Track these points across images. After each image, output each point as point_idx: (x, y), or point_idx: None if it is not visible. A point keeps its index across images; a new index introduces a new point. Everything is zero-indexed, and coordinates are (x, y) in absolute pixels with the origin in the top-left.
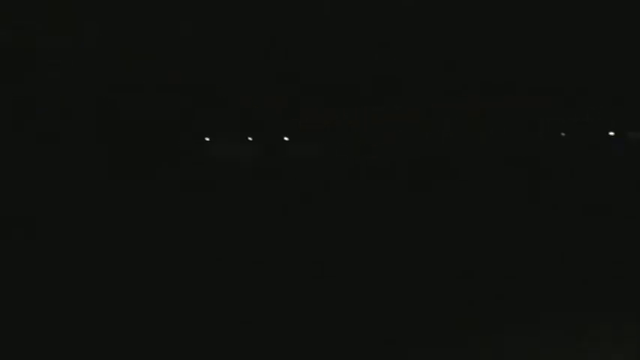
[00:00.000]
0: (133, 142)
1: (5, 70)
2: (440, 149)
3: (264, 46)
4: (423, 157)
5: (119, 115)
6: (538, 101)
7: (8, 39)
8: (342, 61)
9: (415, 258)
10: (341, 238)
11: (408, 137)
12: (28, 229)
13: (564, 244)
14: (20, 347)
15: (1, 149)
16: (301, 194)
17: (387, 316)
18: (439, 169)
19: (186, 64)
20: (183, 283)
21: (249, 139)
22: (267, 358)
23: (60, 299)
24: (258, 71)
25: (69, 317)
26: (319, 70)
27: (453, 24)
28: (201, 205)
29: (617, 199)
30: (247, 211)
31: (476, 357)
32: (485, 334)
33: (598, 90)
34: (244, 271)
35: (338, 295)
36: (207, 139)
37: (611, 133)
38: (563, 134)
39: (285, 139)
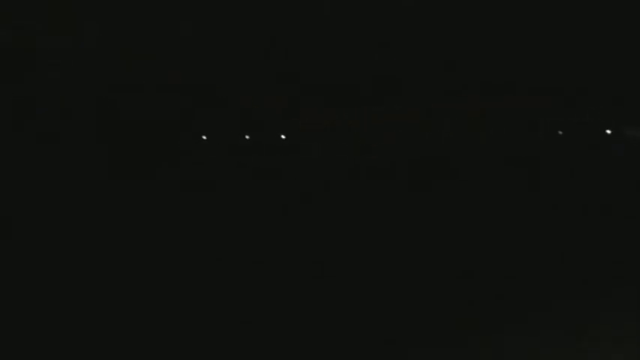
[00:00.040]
0: (133, 142)
1: (5, 70)
2: (440, 149)
3: (264, 46)
4: (423, 157)
5: (119, 115)
6: (538, 101)
7: (8, 39)
8: (342, 61)
9: (415, 258)
10: (341, 238)
11: (408, 137)
12: (28, 229)
13: (564, 244)
14: (20, 347)
15: (1, 149)
16: (301, 194)
17: (387, 316)
18: (439, 169)
19: (186, 64)
20: (183, 283)
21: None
22: (267, 358)
23: (60, 299)
24: (258, 71)
25: (69, 317)
26: (319, 70)
27: (453, 24)
28: (201, 205)
29: (617, 199)
30: (247, 211)
31: (476, 357)
32: (485, 334)
33: (598, 90)
34: (244, 271)
35: (338, 295)
36: (204, 137)
37: (609, 132)
38: (560, 132)
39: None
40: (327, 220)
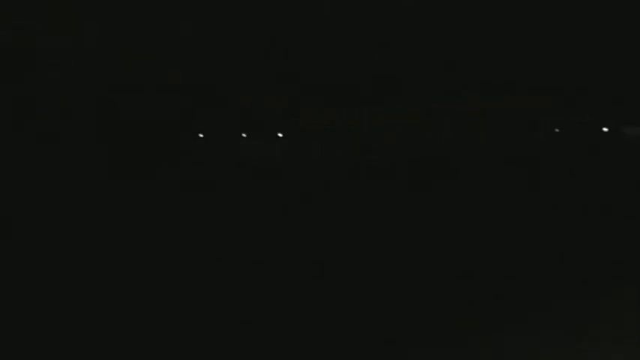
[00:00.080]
0: (133, 142)
1: (5, 70)
2: (440, 149)
3: (264, 46)
4: (423, 157)
5: (119, 115)
6: (538, 101)
7: (8, 39)
8: (342, 61)
9: (415, 258)
10: (341, 238)
11: (408, 137)
12: (28, 229)
13: (564, 244)
14: (20, 347)
15: (1, 149)
16: (301, 194)
17: (387, 316)
18: (439, 169)
19: (186, 64)
20: (183, 282)
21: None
22: (267, 358)
23: (60, 299)
24: (258, 71)
25: (69, 316)
26: (319, 70)
27: (453, 24)
28: (201, 204)
29: (617, 199)
30: (247, 211)
31: (476, 357)
32: (486, 334)
33: (597, 90)
34: (244, 271)
35: (338, 295)
36: (201, 135)
37: (605, 129)
38: (557, 130)
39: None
40: (327, 220)
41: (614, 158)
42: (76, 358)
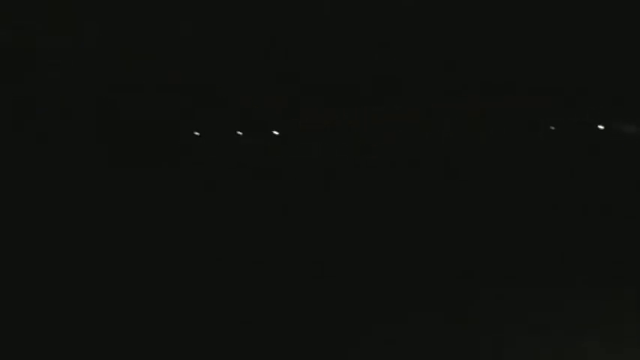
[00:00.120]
0: (133, 142)
1: (5, 70)
2: (440, 149)
3: (264, 46)
4: (423, 157)
5: (119, 115)
6: (538, 101)
7: (8, 39)
8: (342, 61)
9: (415, 258)
10: (341, 238)
11: (408, 137)
12: (28, 229)
13: (564, 244)
14: (20, 347)
15: (1, 149)
16: (301, 194)
17: (386, 316)
18: (439, 169)
19: (186, 64)
20: (183, 283)
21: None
22: (267, 358)
23: (60, 298)
24: (258, 71)
25: (68, 316)
26: (319, 70)
27: (453, 24)
28: (201, 205)
29: (617, 199)
30: (247, 211)
31: (476, 357)
32: (486, 334)
33: (597, 90)
34: (244, 271)
35: (338, 295)
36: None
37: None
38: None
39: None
40: (327, 220)
41: (614, 158)
42: (76, 357)
